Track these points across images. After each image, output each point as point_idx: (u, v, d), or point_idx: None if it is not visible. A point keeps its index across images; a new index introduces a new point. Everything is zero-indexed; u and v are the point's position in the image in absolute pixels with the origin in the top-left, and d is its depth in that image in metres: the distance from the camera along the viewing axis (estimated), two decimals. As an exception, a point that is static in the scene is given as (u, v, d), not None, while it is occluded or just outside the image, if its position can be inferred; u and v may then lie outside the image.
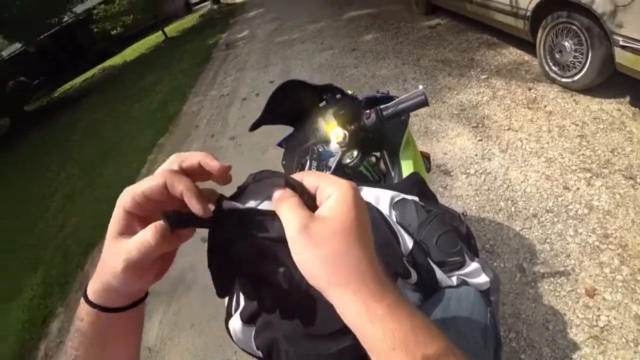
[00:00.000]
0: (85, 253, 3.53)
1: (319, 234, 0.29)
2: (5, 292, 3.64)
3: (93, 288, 0.35)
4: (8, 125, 12.68)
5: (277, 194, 0.33)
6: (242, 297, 0.75)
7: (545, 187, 1.97)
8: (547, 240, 1.73)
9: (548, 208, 1.86)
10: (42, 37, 12.03)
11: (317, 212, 0.31)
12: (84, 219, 4.06)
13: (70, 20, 13.44)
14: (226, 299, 0.83)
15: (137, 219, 0.34)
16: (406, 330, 0.27)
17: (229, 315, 0.78)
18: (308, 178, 0.34)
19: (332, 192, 0.31)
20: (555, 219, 1.80)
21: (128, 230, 0.34)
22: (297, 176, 0.35)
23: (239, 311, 0.74)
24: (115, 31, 13.86)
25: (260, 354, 0.74)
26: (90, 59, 16.52)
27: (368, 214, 0.33)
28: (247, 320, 0.72)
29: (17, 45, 13.46)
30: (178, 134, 4.97)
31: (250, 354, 0.78)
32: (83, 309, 0.36)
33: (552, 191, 1.94)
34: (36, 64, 16.32)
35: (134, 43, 16.35)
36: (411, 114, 1.01)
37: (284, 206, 0.31)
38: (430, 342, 0.27)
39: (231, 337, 0.78)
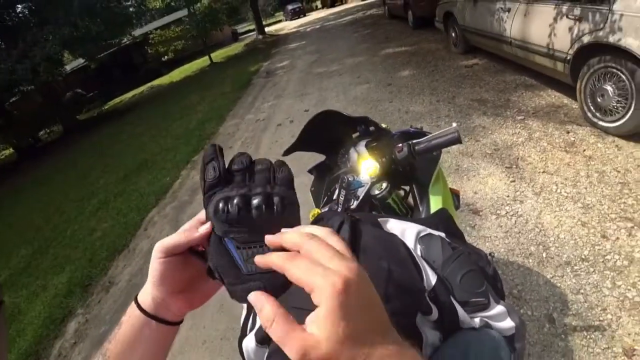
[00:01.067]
0: (111, 258, 3.65)
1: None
2: (33, 287, 3.79)
3: (143, 291, 0.41)
4: (61, 132, 13.78)
5: (260, 312, 0.31)
6: (258, 317, 0.75)
7: (581, 234, 1.86)
8: (581, 290, 1.61)
9: (583, 257, 1.75)
10: (102, 55, 13.16)
11: (306, 326, 0.29)
12: (114, 225, 4.23)
13: (128, 42, 14.68)
14: (242, 317, 0.83)
15: None
16: None
17: (243, 334, 0.77)
18: (295, 271, 0.30)
19: (319, 299, 0.28)
20: (591, 269, 1.68)
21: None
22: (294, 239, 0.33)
23: (254, 331, 0.73)
24: (167, 55, 15.06)
25: None
26: (140, 77, 17.87)
27: (371, 309, 0.30)
28: (261, 340, 0.71)
29: (79, 61, 14.78)
30: (212, 153, 5.16)
31: None
32: (131, 307, 0.41)
33: (588, 239, 1.83)
34: (93, 79, 17.86)
35: (181, 65, 17.54)
36: (443, 150, 1.01)
37: (275, 329, 0.29)
38: None
39: (243, 357, 0.77)
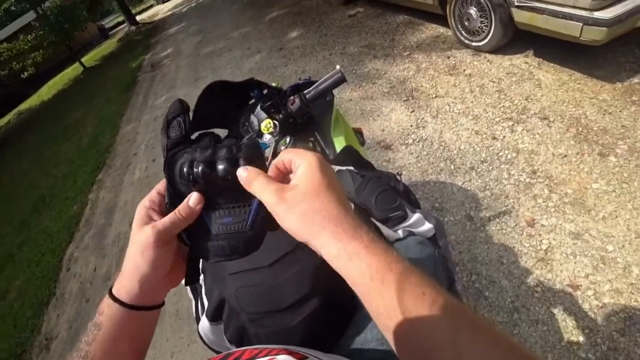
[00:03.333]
0: (39, 314, 3.23)
1: (292, 199, 0.33)
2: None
3: (117, 284, 0.39)
4: None
5: (244, 175, 0.36)
6: (205, 298, 0.76)
7: (477, 141, 2.14)
8: (487, 187, 1.88)
9: (482, 159, 2.03)
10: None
11: (291, 182, 0.35)
12: (30, 278, 3.72)
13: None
14: (193, 308, 0.83)
15: (155, 213, 0.40)
16: (381, 263, 0.30)
17: (197, 321, 0.77)
18: (284, 155, 0.38)
19: (301, 162, 0.36)
20: (490, 167, 1.96)
21: (150, 221, 0.39)
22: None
23: (205, 312, 0.74)
24: (27, 72, 12.71)
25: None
26: (0, 104, 15.01)
27: (335, 174, 0.37)
28: (213, 317, 0.72)
29: None
30: (117, 166, 4.70)
31: None
32: (105, 302, 0.39)
33: (483, 144, 2.11)
34: (-63, 123, 14.54)
35: (49, 80, 15.17)
36: (345, 99, 1.05)
37: (256, 185, 0.35)
38: (403, 271, 0.30)
39: (204, 342, 0.77)
